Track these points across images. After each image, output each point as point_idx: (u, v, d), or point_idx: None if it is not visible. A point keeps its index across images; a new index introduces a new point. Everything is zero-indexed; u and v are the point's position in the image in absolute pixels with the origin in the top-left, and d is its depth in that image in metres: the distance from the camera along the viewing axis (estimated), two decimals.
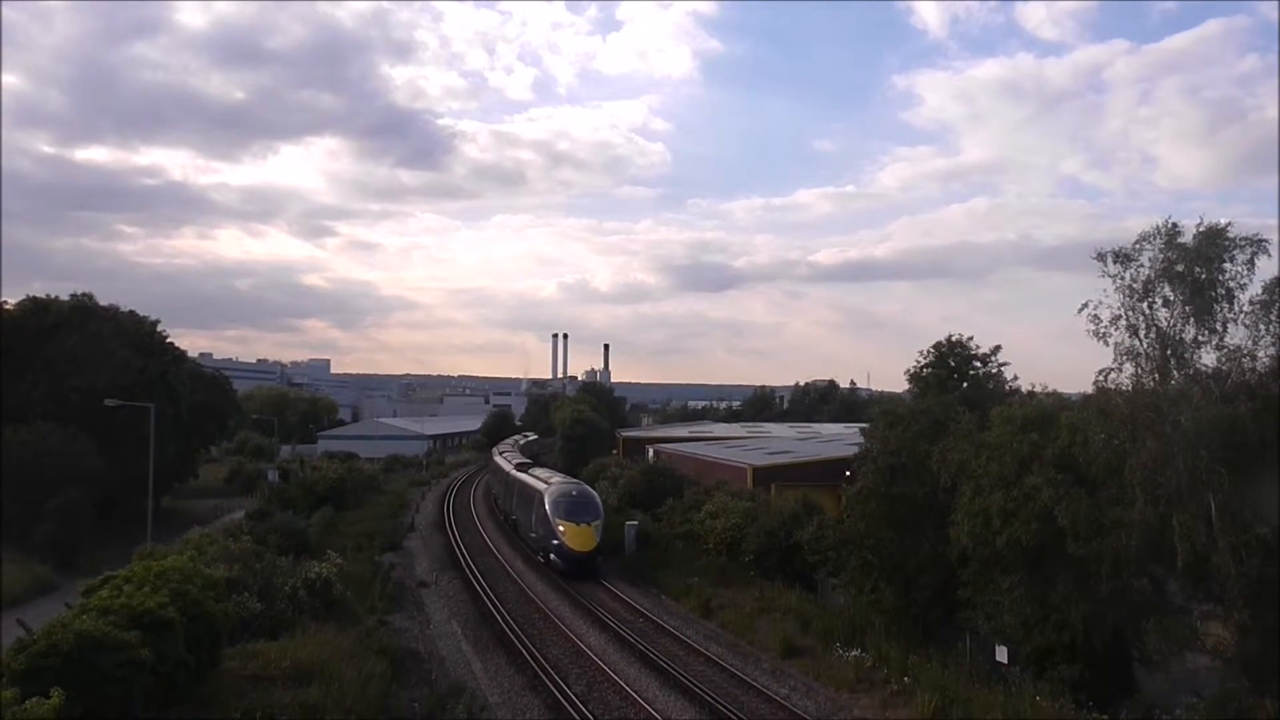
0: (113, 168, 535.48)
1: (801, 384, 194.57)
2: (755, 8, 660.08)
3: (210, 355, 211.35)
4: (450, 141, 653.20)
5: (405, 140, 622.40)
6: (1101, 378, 25.43)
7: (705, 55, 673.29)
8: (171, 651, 18.72)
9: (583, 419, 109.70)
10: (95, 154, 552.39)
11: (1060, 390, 35.24)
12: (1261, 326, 23.74)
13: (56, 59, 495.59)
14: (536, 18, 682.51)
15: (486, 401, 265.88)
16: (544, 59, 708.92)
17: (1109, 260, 25.15)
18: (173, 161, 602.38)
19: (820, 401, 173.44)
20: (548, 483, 50.57)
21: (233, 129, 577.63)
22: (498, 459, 76.92)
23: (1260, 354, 23.90)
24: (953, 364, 40.32)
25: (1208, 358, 24.34)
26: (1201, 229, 24.44)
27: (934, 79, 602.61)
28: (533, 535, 49.24)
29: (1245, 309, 23.91)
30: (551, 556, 45.25)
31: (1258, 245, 23.88)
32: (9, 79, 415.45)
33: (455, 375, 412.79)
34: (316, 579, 31.67)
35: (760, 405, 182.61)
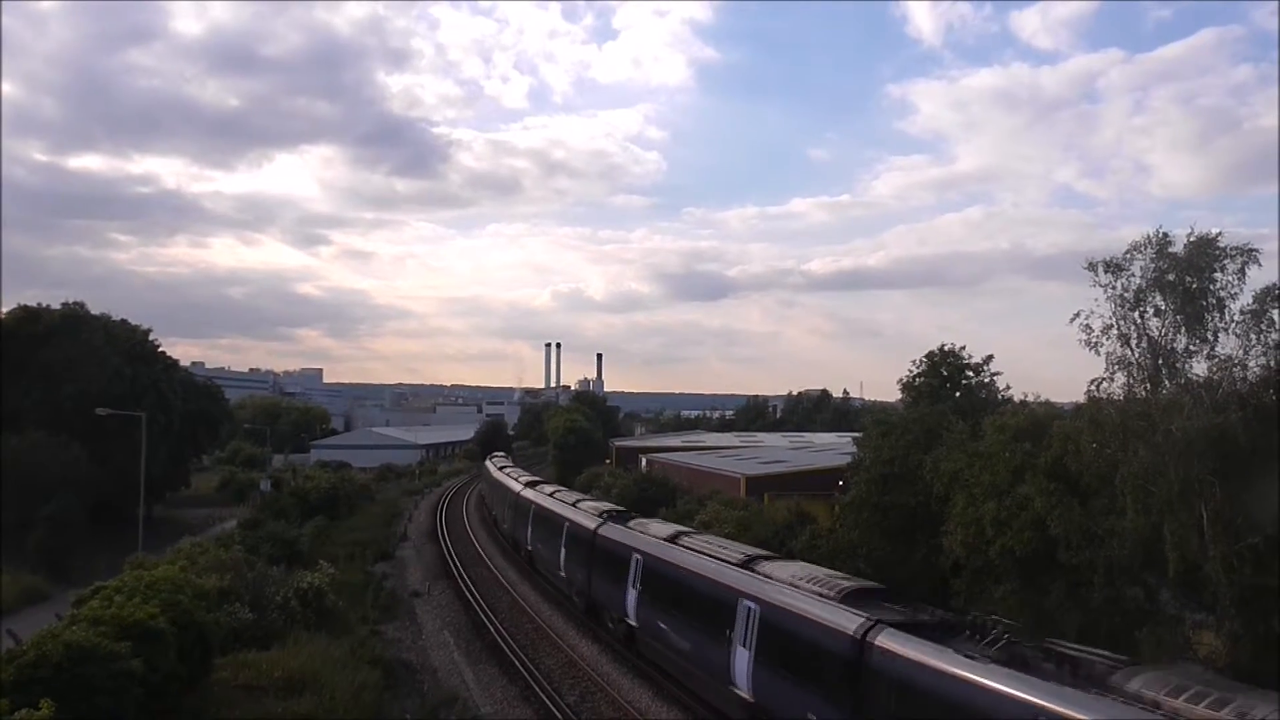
0: (106, 176, 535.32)
1: (795, 393, 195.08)
2: (750, 16, 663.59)
3: (202, 364, 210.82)
4: (445, 150, 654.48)
5: (400, 149, 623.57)
6: (1093, 387, 25.55)
7: (701, 64, 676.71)
8: (162, 662, 18.65)
9: (576, 428, 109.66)
10: (89, 162, 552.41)
11: (1053, 399, 35.38)
12: (1252, 336, 23.84)
13: (50, 66, 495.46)
14: (533, 26, 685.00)
15: (479, 411, 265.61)
16: (540, 67, 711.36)
17: (1100, 270, 25.29)
18: (167, 169, 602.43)
19: (813, 411, 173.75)
20: None
21: (227, 137, 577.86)
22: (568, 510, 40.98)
23: (1251, 363, 23.99)
24: (945, 373, 40.52)
25: (1199, 367, 24.46)
26: (1192, 238, 24.57)
27: (929, 88, 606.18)
28: None
29: (1236, 318, 24.03)
30: None
31: (1248, 255, 24.03)
32: (4, 86, 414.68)
33: (448, 384, 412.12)
34: (309, 589, 31.53)
35: (753, 415, 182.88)
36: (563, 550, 38.41)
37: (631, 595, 29.98)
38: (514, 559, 51.58)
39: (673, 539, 29.74)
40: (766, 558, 25.43)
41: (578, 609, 36.78)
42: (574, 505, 41.24)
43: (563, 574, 38.60)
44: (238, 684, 22.85)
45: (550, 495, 46.89)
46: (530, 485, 53.22)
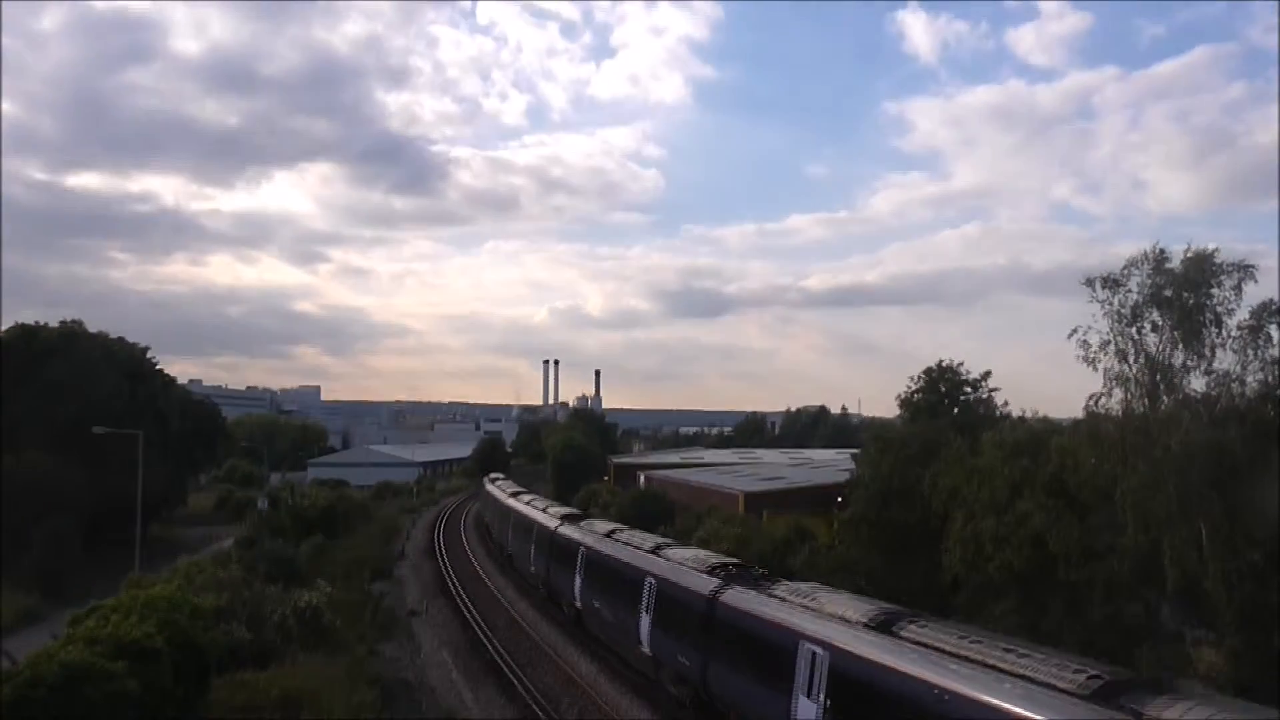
0: (105, 194, 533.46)
1: (793, 409, 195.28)
2: (747, 34, 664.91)
3: (200, 382, 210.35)
4: (444, 168, 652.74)
5: (399, 166, 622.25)
6: (1092, 402, 25.62)
7: (698, 81, 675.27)
8: (159, 681, 18.56)
9: (574, 445, 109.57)
10: (88, 180, 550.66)
11: (1051, 415, 35.47)
12: (1250, 351, 23.94)
13: (50, 85, 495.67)
14: (531, 44, 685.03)
15: (477, 428, 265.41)
16: (538, 85, 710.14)
17: (1098, 285, 25.41)
18: (165, 188, 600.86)
19: (812, 427, 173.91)
20: None
21: (226, 155, 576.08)
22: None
23: (1249, 378, 24.08)
24: (944, 389, 40.65)
25: (1197, 382, 24.57)
26: (1189, 254, 24.67)
27: (925, 105, 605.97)
28: None
29: (1234, 334, 24.12)
30: None
31: (1245, 271, 24.13)
32: (3, 105, 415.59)
33: (446, 401, 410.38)
34: (306, 607, 31.45)
35: (751, 431, 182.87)
36: (645, 617, 28.47)
37: (808, 712, 19.08)
38: (512, 576, 51.37)
39: (881, 626, 18.46)
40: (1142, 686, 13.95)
41: (676, 697, 26.72)
42: (655, 553, 30.52)
43: (647, 650, 28.58)
44: (235, 703, 22.70)
45: (608, 536, 35.77)
46: (569, 520, 42.36)
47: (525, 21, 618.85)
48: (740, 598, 23.38)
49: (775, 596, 22.58)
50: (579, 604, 36.02)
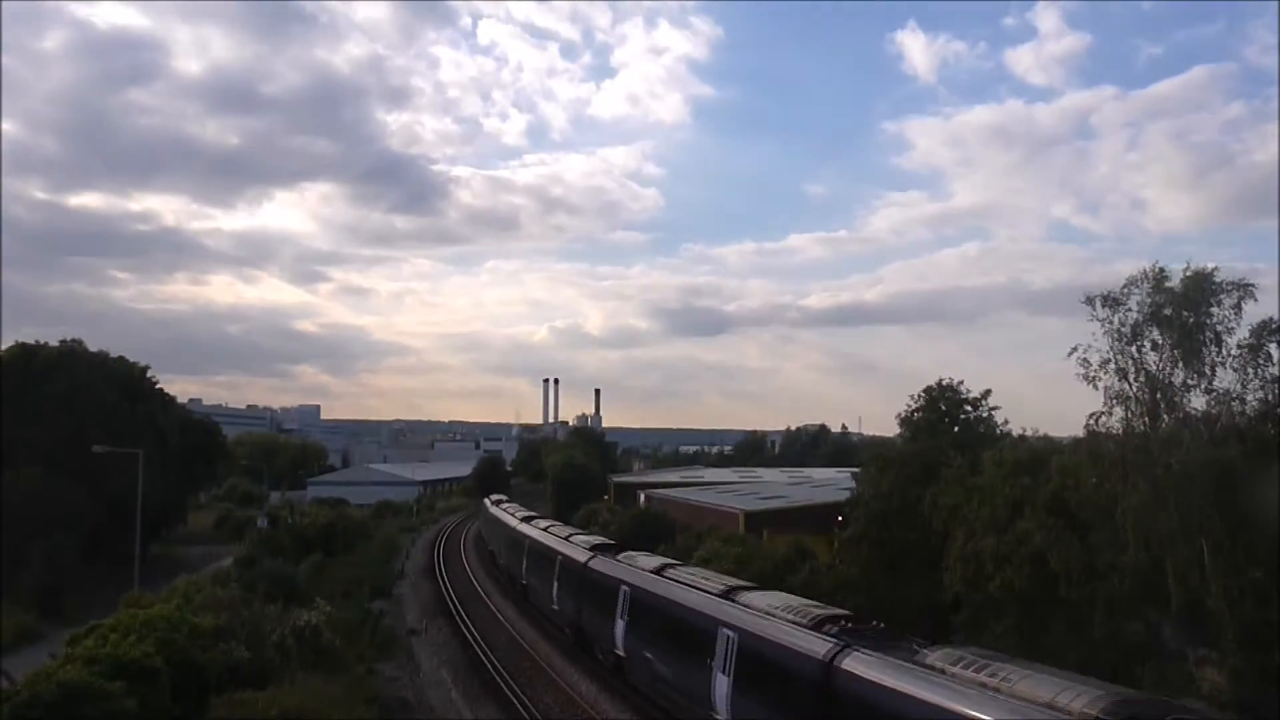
0: (106, 213, 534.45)
1: (793, 428, 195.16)
2: (746, 54, 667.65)
3: (200, 401, 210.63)
4: (444, 187, 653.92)
5: (399, 186, 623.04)
6: (1092, 421, 25.63)
7: (698, 101, 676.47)
8: (157, 701, 18.49)
9: (574, 464, 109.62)
10: (89, 200, 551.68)
11: (1051, 434, 35.44)
12: (1250, 370, 23.99)
13: (52, 105, 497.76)
14: (531, 64, 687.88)
15: (477, 447, 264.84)
16: (539, 105, 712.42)
17: (1098, 304, 25.48)
18: (166, 207, 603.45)
19: (812, 446, 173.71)
20: None
21: (227, 175, 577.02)
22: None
23: (1249, 397, 24.10)
24: (944, 408, 40.63)
25: (1197, 401, 24.62)
26: (1188, 273, 24.75)
27: (924, 124, 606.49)
28: None
29: (1233, 352, 24.17)
30: None
31: (1244, 289, 24.20)
32: (4, 125, 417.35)
33: (446, 420, 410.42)
34: (305, 626, 31.33)
35: (752, 450, 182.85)
36: (722, 678, 22.65)
37: None
38: (512, 595, 51.16)
39: None
40: None
41: None
42: (730, 598, 24.57)
43: (726, 719, 22.68)
44: None
45: (658, 573, 29.83)
46: (603, 551, 36.50)
47: (525, 42, 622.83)
48: (874, 667, 17.67)
49: (927, 667, 16.92)
50: (621, 652, 30.47)
